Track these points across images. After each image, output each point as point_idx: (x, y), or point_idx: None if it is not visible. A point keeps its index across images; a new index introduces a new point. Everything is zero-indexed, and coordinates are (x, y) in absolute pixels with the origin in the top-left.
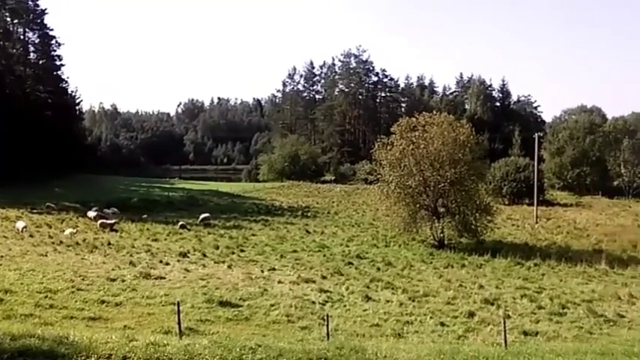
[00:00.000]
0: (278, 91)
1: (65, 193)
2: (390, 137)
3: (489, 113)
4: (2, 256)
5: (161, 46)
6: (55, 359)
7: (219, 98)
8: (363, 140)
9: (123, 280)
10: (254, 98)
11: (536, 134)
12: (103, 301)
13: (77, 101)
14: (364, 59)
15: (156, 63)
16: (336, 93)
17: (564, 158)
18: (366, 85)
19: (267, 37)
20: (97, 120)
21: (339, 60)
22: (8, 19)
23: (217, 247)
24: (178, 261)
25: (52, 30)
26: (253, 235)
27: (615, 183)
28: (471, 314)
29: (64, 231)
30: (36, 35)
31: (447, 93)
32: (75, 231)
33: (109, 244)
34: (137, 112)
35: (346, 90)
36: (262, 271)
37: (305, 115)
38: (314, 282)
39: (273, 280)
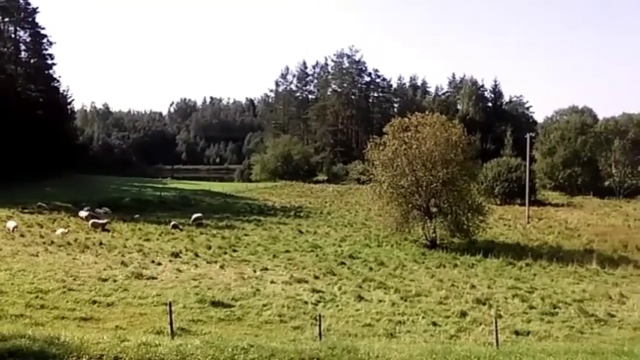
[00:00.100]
0: (271, 90)
1: (57, 192)
2: (382, 137)
3: (481, 113)
4: None
5: (153, 45)
6: None
7: (211, 98)
8: (356, 140)
9: (114, 281)
10: (247, 98)
11: (527, 134)
12: (94, 302)
13: (69, 100)
14: (357, 59)
15: (148, 62)
16: (329, 93)
17: (556, 158)
18: (359, 85)
19: (261, 37)
20: (88, 119)
21: (332, 60)
22: None
23: (210, 247)
24: (170, 261)
25: (43, 29)
26: (246, 235)
27: (606, 183)
28: (463, 314)
29: (55, 231)
30: (27, 34)
31: (440, 93)
32: (66, 231)
33: (101, 244)
34: (129, 111)
35: (339, 90)
36: (255, 271)
37: (298, 114)
38: (306, 282)
39: (266, 280)
